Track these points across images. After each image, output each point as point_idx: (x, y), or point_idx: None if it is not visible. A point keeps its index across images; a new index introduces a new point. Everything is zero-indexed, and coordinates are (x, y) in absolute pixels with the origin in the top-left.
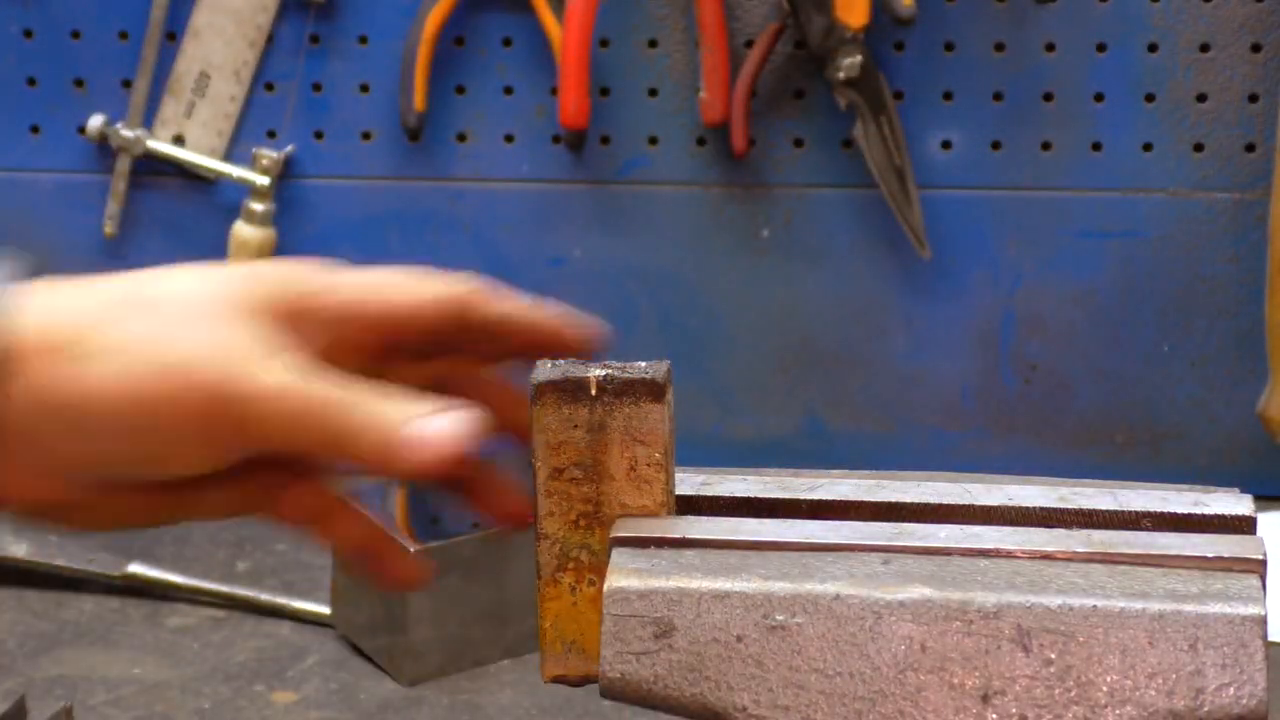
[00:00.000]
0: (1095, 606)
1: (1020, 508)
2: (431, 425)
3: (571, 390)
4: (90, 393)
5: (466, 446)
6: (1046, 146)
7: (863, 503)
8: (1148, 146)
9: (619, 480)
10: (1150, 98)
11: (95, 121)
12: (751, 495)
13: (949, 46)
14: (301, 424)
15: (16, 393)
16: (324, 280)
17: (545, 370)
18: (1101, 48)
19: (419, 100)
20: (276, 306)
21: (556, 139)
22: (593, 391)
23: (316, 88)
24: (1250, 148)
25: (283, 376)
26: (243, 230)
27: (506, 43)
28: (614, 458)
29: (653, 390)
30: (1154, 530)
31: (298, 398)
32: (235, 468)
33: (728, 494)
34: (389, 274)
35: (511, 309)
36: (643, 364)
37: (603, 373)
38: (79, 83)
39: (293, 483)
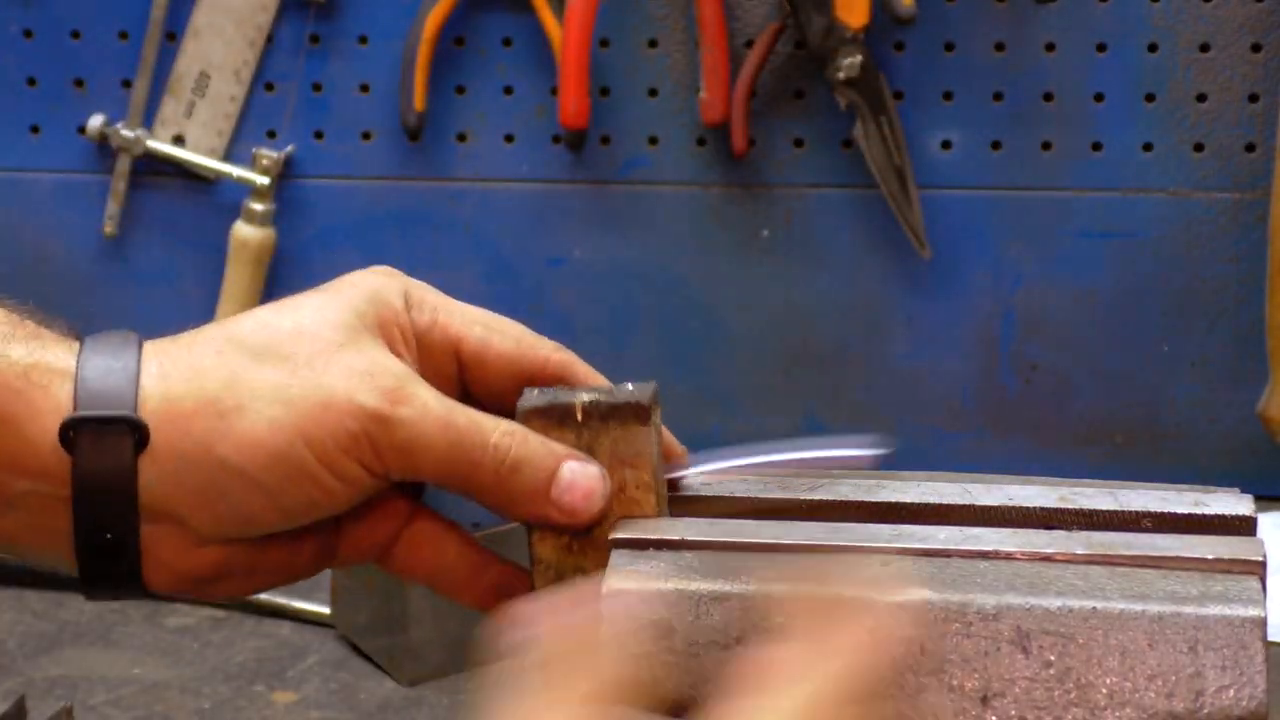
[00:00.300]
0: (1095, 608)
1: (1020, 508)
2: (586, 472)
3: (558, 416)
4: (243, 445)
5: (604, 499)
6: (1046, 146)
7: (862, 503)
8: (1148, 146)
9: (609, 502)
10: (1150, 98)
11: (95, 121)
12: (751, 495)
13: (949, 46)
14: (456, 452)
15: (158, 466)
16: (442, 306)
17: (532, 397)
18: (1102, 48)
19: (419, 100)
20: (402, 329)
21: (556, 139)
22: (579, 417)
23: (316, 88)
24: (1250, 148)
25: (434, 403)
26: (243, 230)
27: (506, 43)
28: None
29: (639, 414)
30: (1154, 530)
31: (452, 426)
32: (370, 504)
33: (728, 494)
34: (501, 320)
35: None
36: (630, 386)
37: (589, 398)
38: (79, 83)
39: (416, 519)
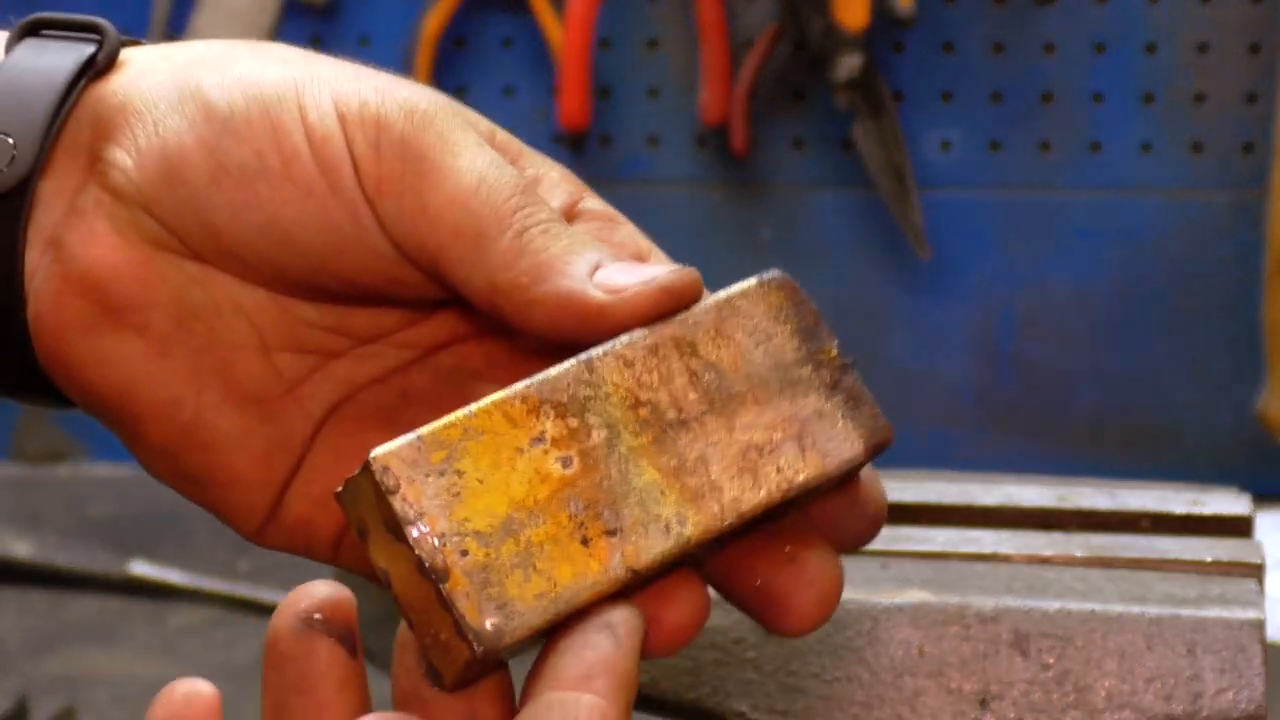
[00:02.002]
0: (1093, 611)
1: (1019, 508)
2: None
3: None
4: (229, 82)
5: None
6: (1045, 147)
7: None
8: (1146, 147)
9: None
10: (1149, 98)
11: None
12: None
13: (948, 47)
14: (495, 222)
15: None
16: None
17: None
18: (1100, 48)
19: None
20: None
21: (557, 139)
22: None
23: None
24: (1248, 148)
25: (479, 152)
26: None
27: (506, 43)
28: None
29: None
30: (1152, 530)
31: (496, 185)
32: (403, 291)
33: None
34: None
35: None
36: None
37: None
38: None
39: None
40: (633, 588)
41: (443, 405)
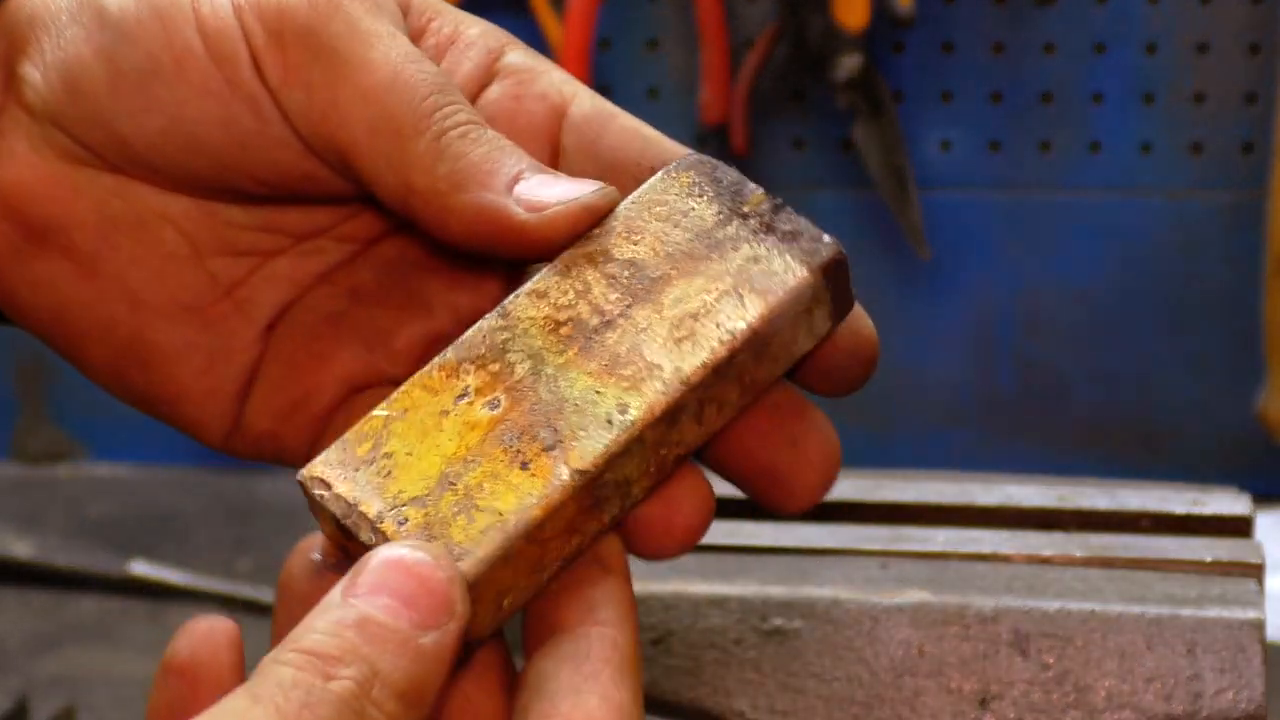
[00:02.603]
0: (1093, 610)
1: (1018, 508)
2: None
3: None
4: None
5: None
6: (1045, 147)
7: (862, 502)
8: (1146, 147)
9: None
10: (1149, 98)
11: None
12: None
13: (948, 47)
14: (411, 122)
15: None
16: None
17: None
18: (1100, 49)
19: None
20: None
21: None
22: None
23: None
24: (1248, 148)
25: (394, 43)
26: None
27: None
28: None
29: None
30: (1152, 530)
31: (413, 80)
32: (317, 187)
33: (727, 494)
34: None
35: None
36: None
37: None
38: None
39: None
40: (601, 494)
41: (391, 302)
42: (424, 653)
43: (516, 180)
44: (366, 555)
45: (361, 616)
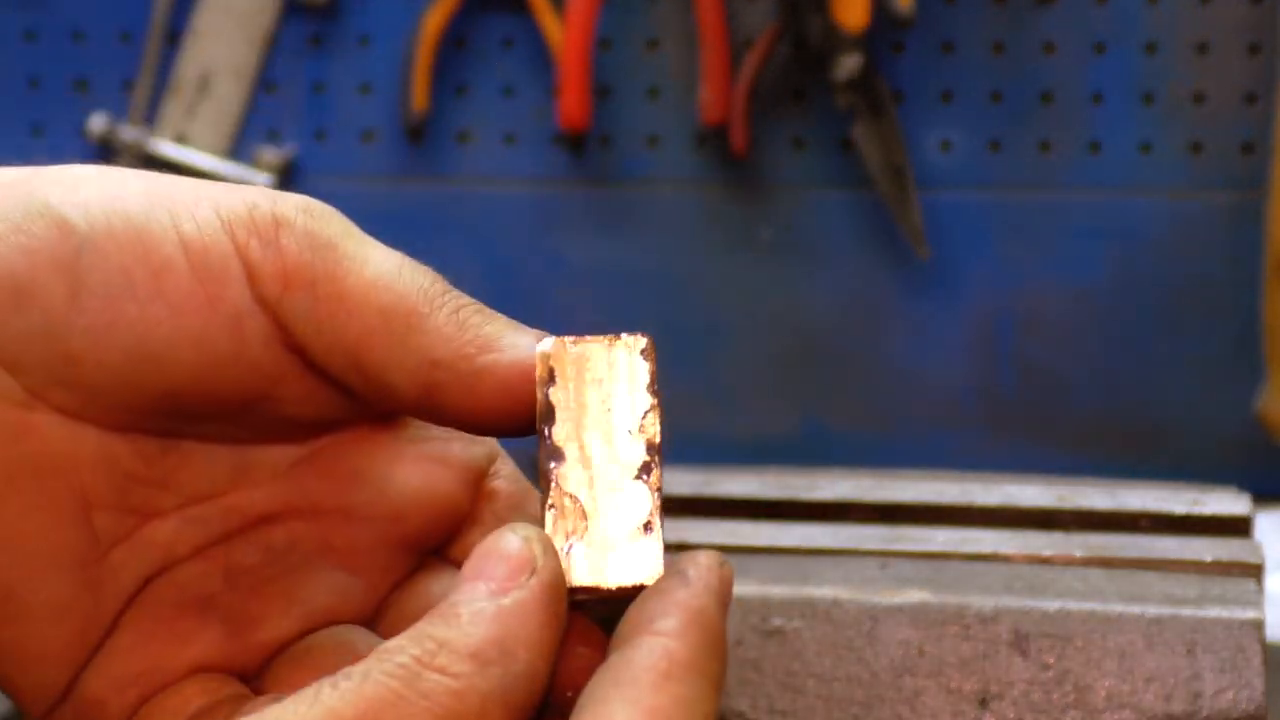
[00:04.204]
0: (1093, 610)
1: (1019, 508)
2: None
3: None
4: (86, 201)
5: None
6: (1045, 147)
7: (862, 502)
8: (1146, 147)
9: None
10: (1148, 98)
11: (97, 122)
12: (751, 495)
13: (948, 47)
14: (425, 301)
15: None
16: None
17: None
18: (1100, 48)
19: (420, 101)
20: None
21: (557, 139)
22: None
23: (318, 88)
24: (1248, 148)
25: (385, 256)
26: None
27: (507, 43)
28: None
29: None
30: (1152, 530)
31: (417, 270)
32: (277, 406)
33: (726, 494)
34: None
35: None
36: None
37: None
38: (81, 84)
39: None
40: None
41: (267, 591)
42: (503, 611)
43: (537, 343)
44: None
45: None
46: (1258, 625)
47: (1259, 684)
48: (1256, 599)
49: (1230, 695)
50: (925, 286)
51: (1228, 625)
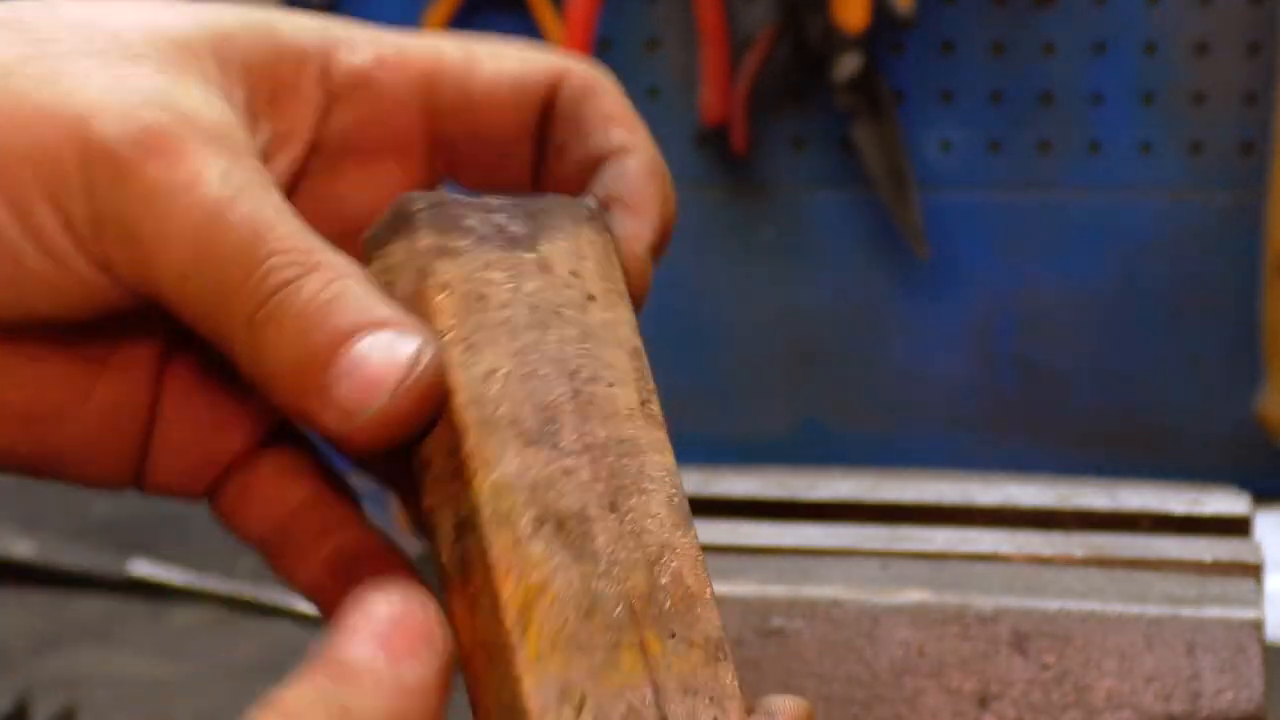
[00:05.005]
0: (1093, 611)
1: (1019, 508)
2: (392, 349)
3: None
4: None
5: (424, 395)
6: (1045, 147)
7: (862, 503)
8: (1146, 147)
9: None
10: (1148, 98)
11: None
12: (750, 495)
13: (948, 47)
14: (205, 262)
15: None
16: (391, 39)
17: (399, 203)
18: (1100, 49)
19: None
20: (286, 81)
21: None
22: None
23: None
24: (1248, 148)
25: (212, 175)
26: None
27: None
28: None
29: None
30: (1151, 530)
31: (217, 218)
32: (192, 409)
33: (726, 494)
34: (492, 43)
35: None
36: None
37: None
38: None
39: (264, 452)
40: None
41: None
42: (403, 689)
43: (335, 360)
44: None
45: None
46: (1257, 625)
47: (1258, 684)
48: (1256, 599)
49: (1230, 695)
50: (925, 286)
51: (1227, 625)
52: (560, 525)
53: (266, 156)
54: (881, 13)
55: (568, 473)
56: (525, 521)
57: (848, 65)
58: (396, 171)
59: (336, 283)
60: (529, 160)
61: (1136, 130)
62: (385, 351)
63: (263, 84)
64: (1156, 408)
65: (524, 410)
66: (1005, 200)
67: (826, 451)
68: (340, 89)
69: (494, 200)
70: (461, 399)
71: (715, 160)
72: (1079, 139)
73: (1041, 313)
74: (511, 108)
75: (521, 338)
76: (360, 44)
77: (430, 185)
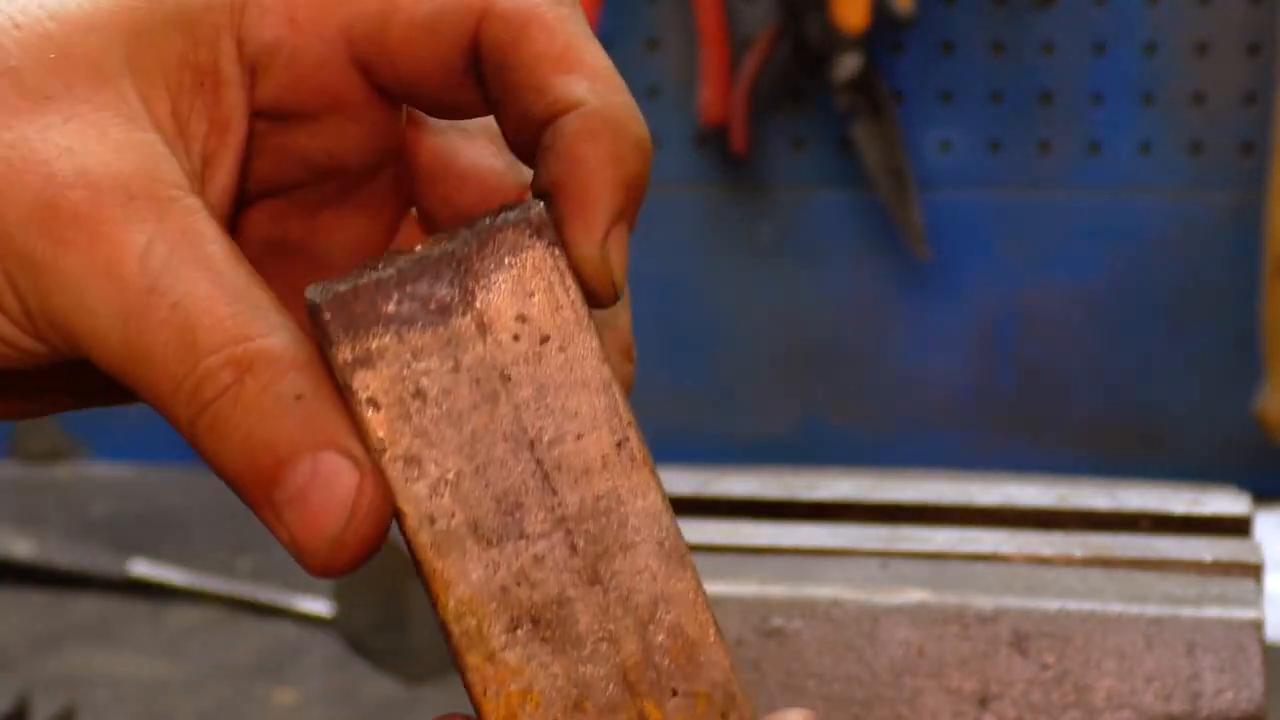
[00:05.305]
0: (1093, 610)
1: (1019, 508)
2: (342, 474)
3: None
4: None
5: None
6: (1045, 147)
7: (861, 502)
8: (1145, 147)
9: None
10: (1148, 98)
11: None
12: (751, 495)
13: (948, 47)
14: (144, 372)
15: None
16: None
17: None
18: (1099, 49)
19: None
20: (172, 68)
21: None
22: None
23: None
24: (1247, 148)
25: (142, 260)
26: None
27: None
28: None
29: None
30: (1151, 529)
31: (141, 317)
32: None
33: (727, 493)
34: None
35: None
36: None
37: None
38: None
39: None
40: None
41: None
42: None
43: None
44: None
45: None
46: (1257, 625)
47: (1258, 684)
48: (1256, 599)
49: (1230, 695)
50: (925, 286)
51: (1227, 625)
52: (536, 621)
53: (207, 155)
54: (881, 13)
55: (539, 559)
56: (496, 632)
57: (847, 65)
58: (348, 124)
59: (273, 388)
60: (482, 108)
61: (1136, 130)
62: (324, 491)
63: (185, 78)
64: (1156, 408)
65: (482, 509)
66: (1005, 200)
67: (827, 451)
68: (257, 61)
69: (423, 252)
70: (411, 523)
71: (715, 160)
72: (1079, 139)
73: (1041, 313)
74: (429, 57)
75: (469, 424)
76: (270, 6)
77: (397, 130)
